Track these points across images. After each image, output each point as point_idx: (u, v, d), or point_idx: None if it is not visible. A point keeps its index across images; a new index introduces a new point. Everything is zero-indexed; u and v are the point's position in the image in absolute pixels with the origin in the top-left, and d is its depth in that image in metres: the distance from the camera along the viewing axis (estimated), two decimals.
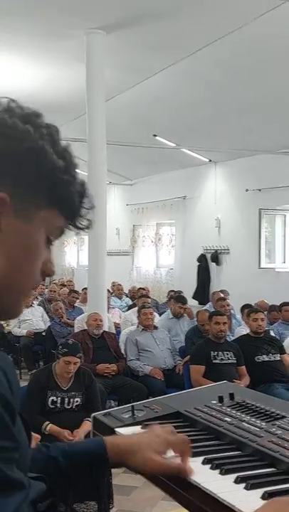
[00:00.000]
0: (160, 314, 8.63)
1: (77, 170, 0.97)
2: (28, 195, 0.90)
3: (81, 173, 1.01)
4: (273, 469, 1.19)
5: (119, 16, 6.42)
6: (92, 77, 7.02)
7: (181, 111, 9.52)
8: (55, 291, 11.17)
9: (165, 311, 8.54)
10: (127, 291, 12.19)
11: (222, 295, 8.98)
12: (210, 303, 9.36)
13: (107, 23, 6.55)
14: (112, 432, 1.44)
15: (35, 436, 3.55)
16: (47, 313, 9.61)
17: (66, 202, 0.94)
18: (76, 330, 7.32)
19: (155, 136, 10.89)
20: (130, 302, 10.86)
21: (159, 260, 14.60)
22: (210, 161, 12.31)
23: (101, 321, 6.56)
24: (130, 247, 15.51)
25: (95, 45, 6.89)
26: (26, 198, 0.90)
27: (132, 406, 1.56)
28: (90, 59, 6.98)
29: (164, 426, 1.28)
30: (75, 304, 9.65)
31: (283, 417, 1.43)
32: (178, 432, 1.35)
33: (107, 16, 6.42)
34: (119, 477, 4.41)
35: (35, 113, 0.93)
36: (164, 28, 6.65)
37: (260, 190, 11.10)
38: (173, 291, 10.64)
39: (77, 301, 9.80)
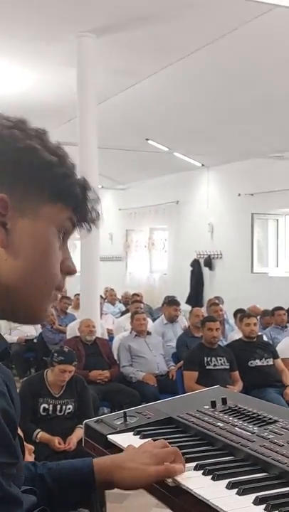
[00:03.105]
0: (154, 320, 8.60)
1: (73, 166, 0.98)
2: (28, 192, 0.91)
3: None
4: (265, 474, 1.17)
5: (110, 20, 6.41)
6: (83, 80, 7.00)
7: (174, 115, 9.52)
8: None
9: (159, 317, 8.52)
10: (120, 297, 12.16)
11: (217, 301, 8.97)
12: (204, 308, 9.34)
13: (97, 26, 6.54)
14: (105, 439, 1.42)
15: (29, 447, 3.50)
16: None
17: (68, 194, 0.95)
18: (68, 336, 7.28)
19: (148, 140, 10.89)
20: (123, 308, 10.82)
21: (152, 265, 14.59)
22: (202, 165, 12.33)
23: (94, 327, 6.52)
24: (123, 252, 15.49)
25: (86, 49, 6.87)
26: (27, 196, 0.91)
27: (124, 412, 1.53)
28: (80, 62, 6.96)
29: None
30: (67, 311, 9.61)
31: (275, 421, 1.41)
32: (170, 438, 1.34)
33: (98, 19, 6.41)
34: None
35: (21, 120, 0.95)
36: (156, 31, 6.65)
37: (252, 194, 11.12)
38: (168, 296, 10.60)
39: (70, 307, 9.76)
